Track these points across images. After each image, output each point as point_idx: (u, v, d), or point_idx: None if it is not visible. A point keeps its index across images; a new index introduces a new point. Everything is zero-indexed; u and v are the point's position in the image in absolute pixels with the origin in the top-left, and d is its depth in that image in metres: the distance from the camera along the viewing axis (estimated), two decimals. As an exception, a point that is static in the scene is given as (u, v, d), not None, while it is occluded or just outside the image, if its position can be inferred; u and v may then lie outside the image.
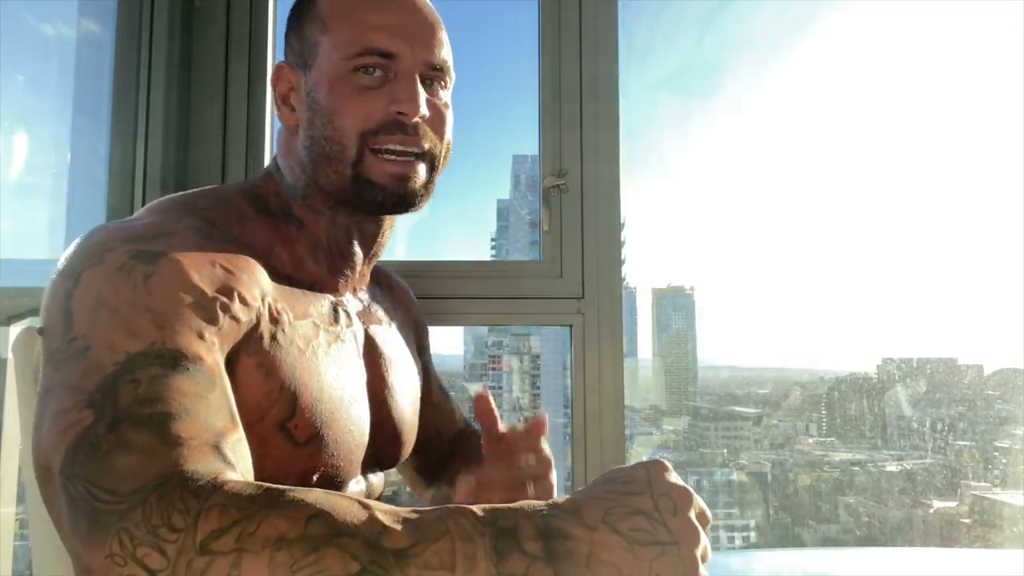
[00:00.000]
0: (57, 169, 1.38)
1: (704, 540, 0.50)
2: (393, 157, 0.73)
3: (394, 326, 0.89)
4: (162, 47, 1.30)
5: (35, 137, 1.43)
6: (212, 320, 0.59)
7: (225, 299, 0.61)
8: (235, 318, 0.62)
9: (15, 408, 0.81)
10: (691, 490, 0.51)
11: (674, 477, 0.52)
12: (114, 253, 0.59)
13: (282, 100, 0.78)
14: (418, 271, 1.30)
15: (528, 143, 1.44)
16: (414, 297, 1.02)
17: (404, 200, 0.74)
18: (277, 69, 0.79)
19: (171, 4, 1.31)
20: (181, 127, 1.33)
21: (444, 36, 0.77)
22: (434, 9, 0.78)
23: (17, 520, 1.18)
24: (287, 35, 0.79)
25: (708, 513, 0.52)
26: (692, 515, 0.50)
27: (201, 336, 0.57)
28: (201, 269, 0.61)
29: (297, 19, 0.78)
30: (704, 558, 0.49)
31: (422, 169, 0.75)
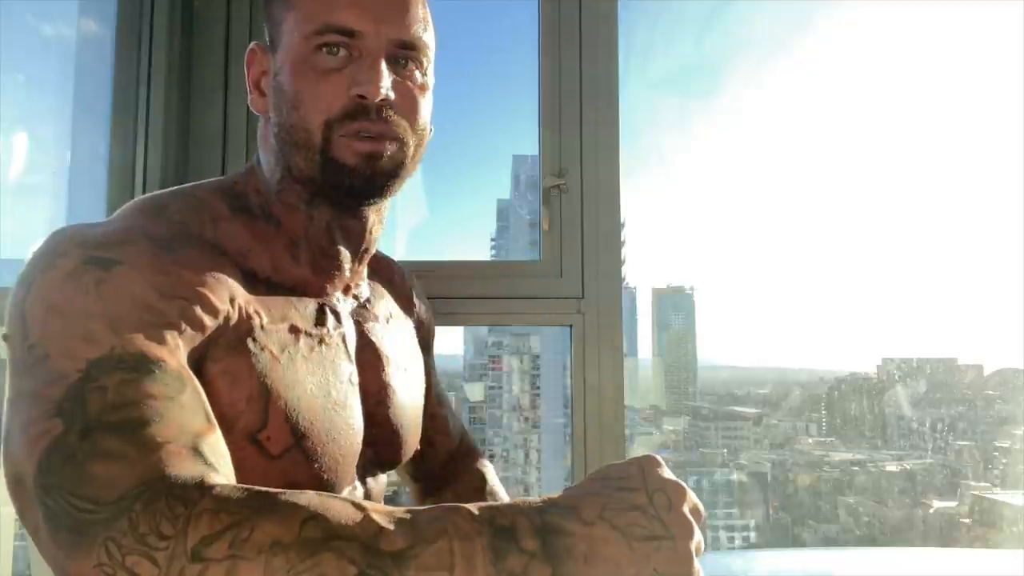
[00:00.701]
0: (57, 169, 1.38)
1: (698, 534, 0.50)
2: (363, 135, 0.67)
3: (394, 321, 0.85)
4: (162, 47, 1.29)
5: (35, 137, 1.43)
6: (171, 325, 0.57)
7: (185, 303, 0.59)
8: (198, 322, 0.59)
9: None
10: (684, 485, 0.51)
11: (667, 472, 0.52)
12: (66, 258, 0.58)
13: (253, 85, 0.74)
14: (418, 271, 1.29)
15: (528, 143, 1.44)
16: (420, 290, 0.98)
17: (373, 181, 0.69)
18: (249, 52, 0.74)
19: (171, 4, 1.30)
20: (181, 127, 1.33)
21: (419, 12, 0.71)
22: None
23: (17, 520, 1.17)
24: (265, 15, 0.75)
25: (701, 508, 0.52)
26: (686, 510, 0.50)
27: (161, 340, 0.55)
28: (157, 275, 0.58)
29: None
30: (698, 551, 0.49)
31: (393, 148, 0.69)
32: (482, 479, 1.01)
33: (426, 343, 0.97)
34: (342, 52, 0.67)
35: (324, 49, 0.67)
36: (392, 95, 0.68)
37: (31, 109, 1.41)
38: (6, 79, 1.31)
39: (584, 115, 1.38)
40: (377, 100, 0.67)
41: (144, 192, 1.27)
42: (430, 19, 0.73)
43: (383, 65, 0.67)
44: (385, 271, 0.91)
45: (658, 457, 0.53)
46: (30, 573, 0.77)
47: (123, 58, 1.30)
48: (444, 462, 1.01)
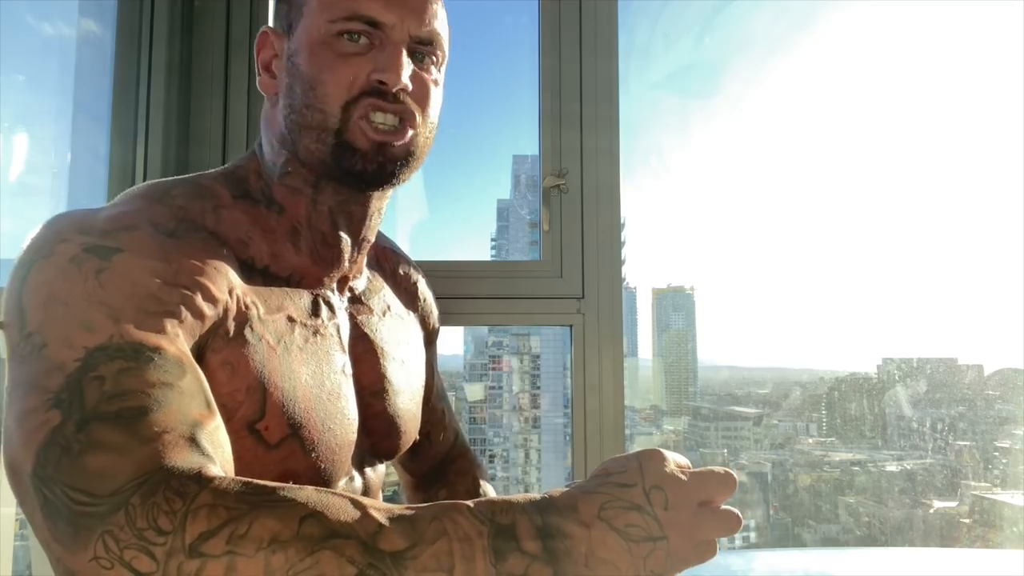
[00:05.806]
0: (57, 169, 1.38)
1: (713, 524, 0.49)
2: (378, 123, 0.69)
3: (392, 314, 0.85)
4: (162, 47, 1.30)
5: (35, 137, 1.43)
6: (172, 313, 0.57)
7: (187, 292, 0.58)
8: (198, 312, 0.59)
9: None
10: (682, 478, 0.50)
11: (668, 467, 0.51)
12: (67, 245, 0.57)
13: (263, 67, 0.74)
14: (418, 271, 1.29)
15: (528, 143, 1.43)
16: (425, 287, 0.97)
17: (384, 168, 0.70)
18: (261, 35, 0.75)
19: (171, 4, 1.31)
20: (181, 127, 1.33)
21: (438, 9, 0.73)
22: None
23: (17, 520, 1.17)
24: (277, 2, 0.76)
25: (720, 487, 0.51)
26: (687, 505, 0.49)
27: (161, 329, 0.55)
28: (158, 264, 0.58)
29: None
30: (734, 529, 0.49)
31: (406, 137, 0.70)
32: (475, 486, 1.01)
33: (430, 338, 0.98)
34: (363, 40, 0.69)
35: (346, 36, 0.68)
36: (411, 85, 0.69)
37: (31, 109, 1.41)
38: (6, 79, 1.30)
39: (584, 115, 1.38)
40: (397, 88, 0.68)
41: (144, 192, 1.27)
42: (446, 20, 0.75)
43: (404, 56, 0.69)
44: (389, 262, 0.91)
45: (662, 451, 0.52)
46: (30, 573, 0.77)
47: (123, 58, 1.30)
48: (439, 458, 1.02)
